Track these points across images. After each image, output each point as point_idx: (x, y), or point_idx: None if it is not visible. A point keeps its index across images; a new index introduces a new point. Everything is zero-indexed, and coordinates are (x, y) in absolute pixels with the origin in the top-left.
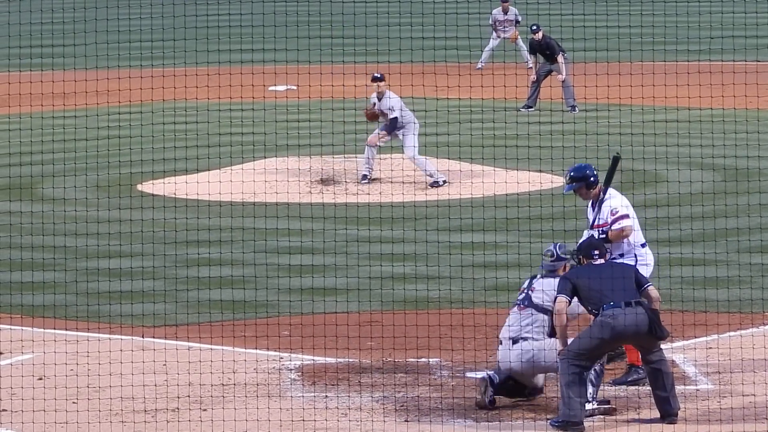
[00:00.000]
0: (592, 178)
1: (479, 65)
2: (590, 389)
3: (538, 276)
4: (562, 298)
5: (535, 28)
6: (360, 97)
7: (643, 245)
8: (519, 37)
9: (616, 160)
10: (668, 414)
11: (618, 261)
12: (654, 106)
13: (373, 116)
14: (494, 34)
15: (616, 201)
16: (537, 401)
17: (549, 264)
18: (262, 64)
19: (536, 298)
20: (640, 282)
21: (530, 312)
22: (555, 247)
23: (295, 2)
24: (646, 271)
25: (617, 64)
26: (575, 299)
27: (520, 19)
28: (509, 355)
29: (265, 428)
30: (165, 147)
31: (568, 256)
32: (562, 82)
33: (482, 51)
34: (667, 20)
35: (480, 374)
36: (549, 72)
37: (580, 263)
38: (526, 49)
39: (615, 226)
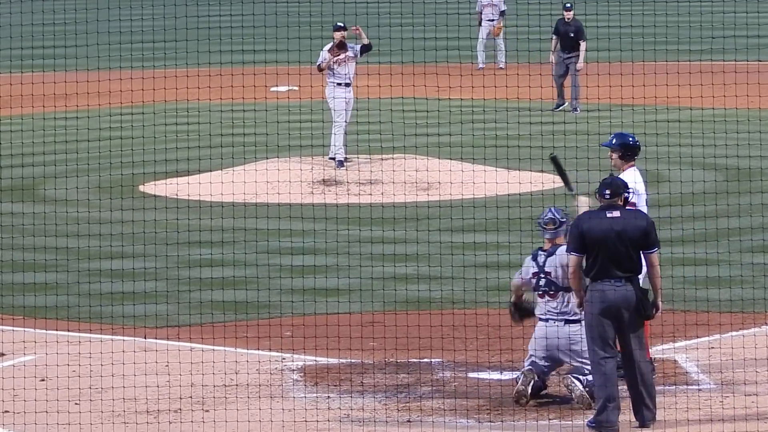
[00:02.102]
0: (623, 151)
1: (480, 66)
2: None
3: (541, 254)
4: (575, 257)
5: (569, 5)
6: (362, 97)
7: None
8: (502, 32)
9: (554, 160)
10: (642, 421)
11: (636, 212)
12: (656, 106)
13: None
14: (480, 26)
15: (628, 177)
16: (543, 402)
17: (552, 232)
18: (263, 64)
19: (557, 280)
20: (648, 245)
21: (561, 295)
22: (555, 212)
23: (297, 3)
24: None
25: (619, 64)
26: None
27: (505, 8)
28: (559, 333)
29: (267, 429)
30: (167, 148)
31: (567, 219)
32: (574, 76)
33: (477, 52)
34: (668, 20)
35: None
36: (567, 70)
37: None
38: (504, 50)
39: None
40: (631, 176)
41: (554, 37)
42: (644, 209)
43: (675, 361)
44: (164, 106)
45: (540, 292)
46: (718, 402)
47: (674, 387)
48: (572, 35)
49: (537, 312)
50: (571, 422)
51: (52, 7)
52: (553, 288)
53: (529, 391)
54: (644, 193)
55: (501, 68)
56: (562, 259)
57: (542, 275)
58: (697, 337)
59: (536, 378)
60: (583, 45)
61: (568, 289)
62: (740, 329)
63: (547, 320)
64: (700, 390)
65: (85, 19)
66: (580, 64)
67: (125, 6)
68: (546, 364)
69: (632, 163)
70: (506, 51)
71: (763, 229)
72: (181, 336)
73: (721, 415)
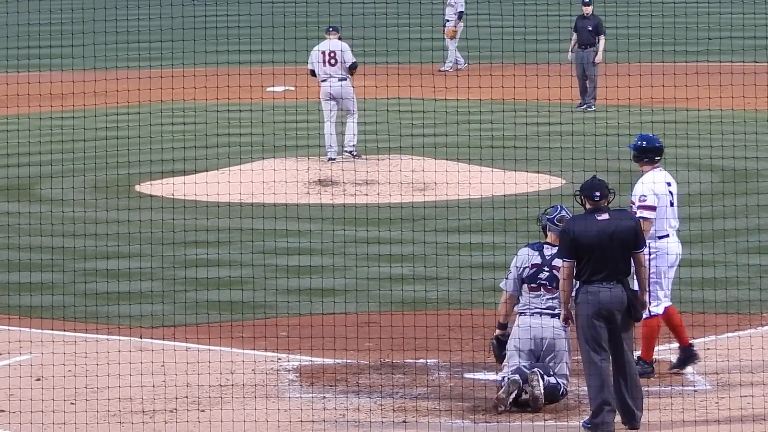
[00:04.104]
0: (635, 153)
1: (443, 68)
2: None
3: (548, 247)
4: (569, 263)
5: (588, 0)
6: (358, 98)
7: (662, 237)
8: (456, 36)
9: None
10: (630, 420)
11: (622, 212)
12: (652, 107)
13: None
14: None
15: (642, 187)
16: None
17: (559, 228)
18: (260, 64)
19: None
20: (638, 245)
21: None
22: (567, 212)
23: (293, 3)
24: (653, 263)
25: (615, 65)
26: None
27: (462, 9)
28: (549, 324)
29: (262, 429)
30: (163, 148)
31: None
32: (592, 76)
33: (449, 51)
34: (665, 21)
35: (491, 375)
36: (584, 69)
37: (583, 204)
38: (455, 50)
39: (638, 214)
40: (649, 178)
41: (574, 35)
42: (665, 211)
43: (671, 362)
44: (160, 106)
45: (535, 285)
46: (713, 403)
47: (670, 388)
48: (590, 29)
49: (519, 307)
50: (566, 423)
51: (48, 7)
52: (554, 283)
53: (509, 400)
54: (666, 194)
55: (445, 70)
56: None
57: (546, 268)
58: (693, 338)
59: (520, 386)
60: (602, 39)
61: None
62: (736, 330)
63: (532, 314)
64: (695, 391)
65: (81, 19)
66: (598, 58)
67: (121, 6)
68: (528, 362)
69: (650, 165)
70: (458, 52)
71: (758, 230)
72: (177, 336)
73: (716, 416)
